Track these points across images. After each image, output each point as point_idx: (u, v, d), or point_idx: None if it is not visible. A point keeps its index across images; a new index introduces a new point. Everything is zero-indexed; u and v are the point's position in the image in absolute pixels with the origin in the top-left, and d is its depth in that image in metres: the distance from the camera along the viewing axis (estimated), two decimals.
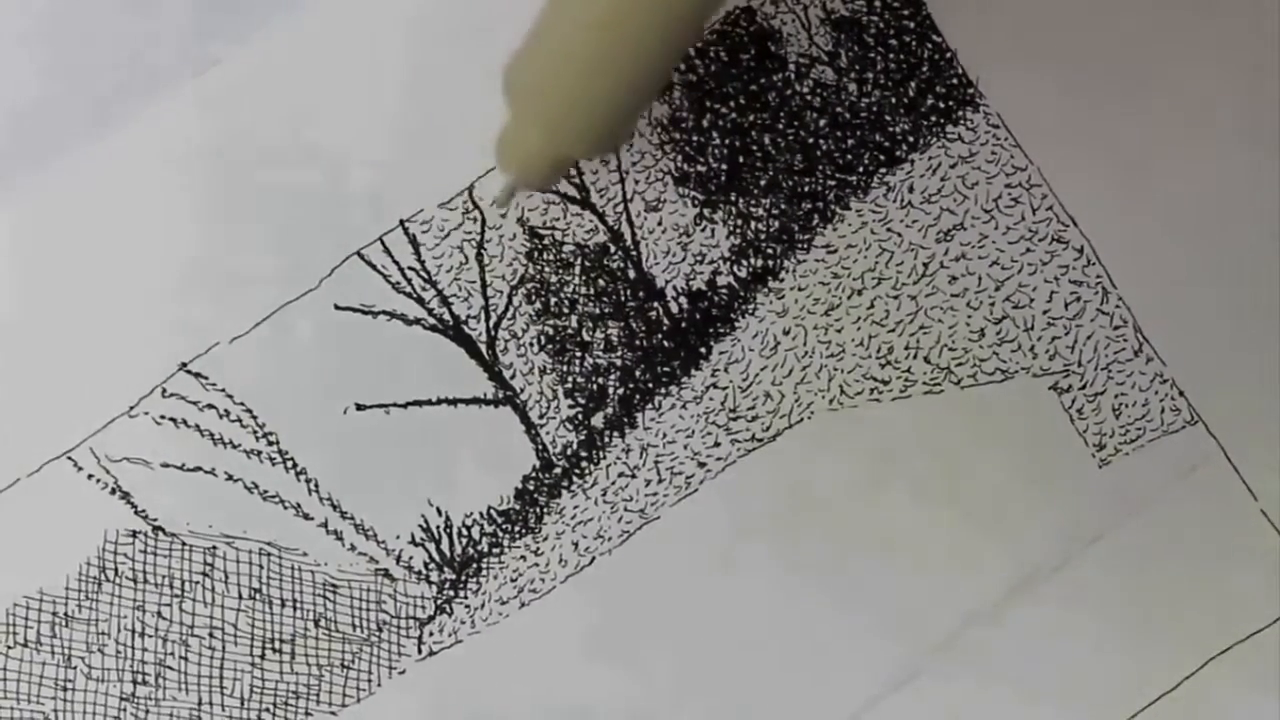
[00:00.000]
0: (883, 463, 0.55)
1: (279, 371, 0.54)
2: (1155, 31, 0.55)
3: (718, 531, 0.54)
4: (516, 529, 0.55)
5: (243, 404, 0.54)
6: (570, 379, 0.55)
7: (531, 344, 0.55)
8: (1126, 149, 0.55)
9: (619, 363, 0.55)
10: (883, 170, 0.55)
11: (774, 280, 0.55)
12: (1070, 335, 0.55)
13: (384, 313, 0.55)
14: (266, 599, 0.54)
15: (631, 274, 0.55)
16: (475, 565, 0.54)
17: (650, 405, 0.55)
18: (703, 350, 0.55)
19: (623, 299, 0.55)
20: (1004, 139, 0.55)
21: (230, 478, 0.54)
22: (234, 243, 0.54)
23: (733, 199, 0.55)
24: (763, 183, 0.55)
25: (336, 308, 0.55)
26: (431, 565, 0.54)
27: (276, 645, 0.54)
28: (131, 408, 0.54)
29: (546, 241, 0.55)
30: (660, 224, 0.55)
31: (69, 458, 0.54)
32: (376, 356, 0.55)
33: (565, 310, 0.55)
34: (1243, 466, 0.55)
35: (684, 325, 0.55)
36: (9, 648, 0.53)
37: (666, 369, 0.55)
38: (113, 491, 0.54)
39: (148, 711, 0.53)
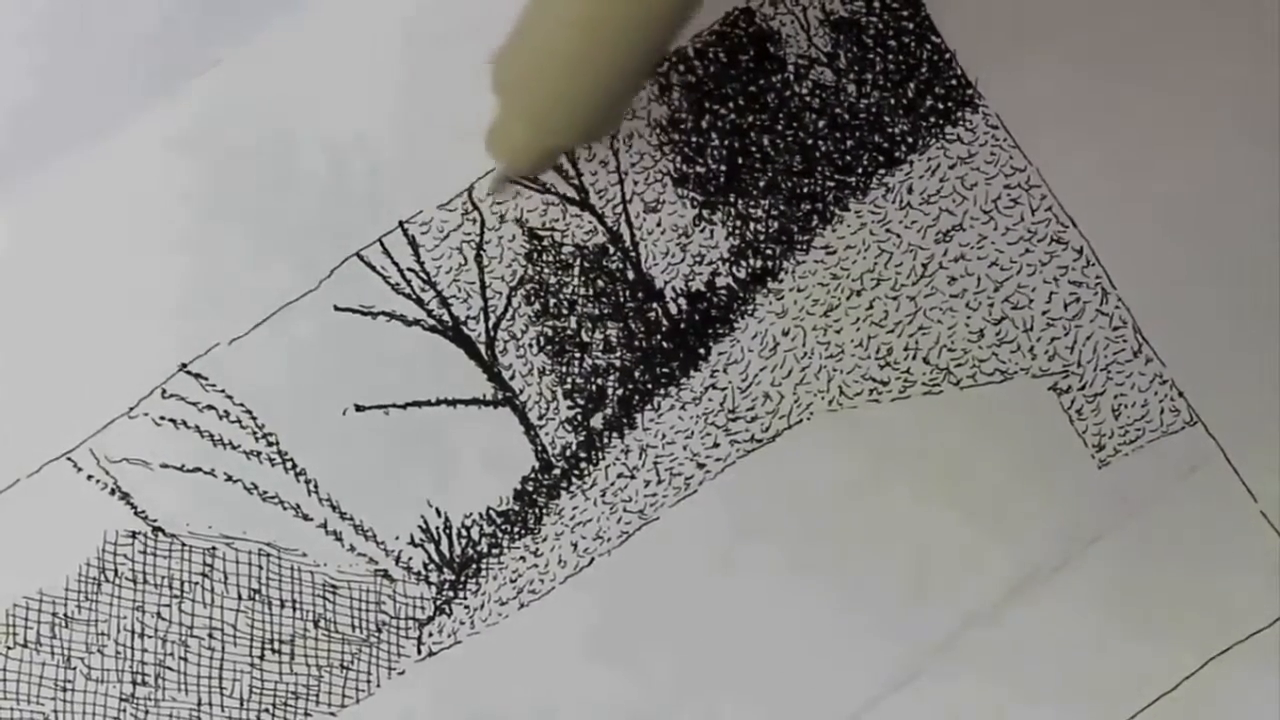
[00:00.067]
0: (882, 463, 0.55)
1: (279, 373, 0.54)
2: (1155, 32, 0.55)
3: (717, 532, 0.54)
4: (516, 530, 0.55)
5: (242, 405, 0.54)
6: (569, 380, 0.55)
7: (531, 345, 0.55)
8: (1126, 149, 0.55)
9: (618, 364, 0.55)
10: (882, 171, 0.55)
11: (773, 281, 0.55)
12: (1069, 336, 0.55)
13: (383, 314, 0.55)
14: (266, 600, 0.54)
15: (630, 275, 0.55)
16: (474, 566, 0.54)
17: (649, 406, 0.55)
18: (702, 351, 0.55)
19: (622, 300, 0.55)
20: (1003, 140, 0.55)
21: (230, 478, 0.54)
22: (233, 244, 0.54)
23: (732, 200, 0.55)
24: (762, 184, 0.55)
25: (336, 309, 0.55)
26: (431, 566, 0.54)
27: (276, 646, 0.54)
28: (131, 408, 0.54)
29: (546, 243, 0.55)
30: (659, 225, 0.55)
31: (69, 458, 0.54)
32: (376, 358, 0.55)
33: (564, 311, 0.55)
34: (1242, 467, 0.55)
35: (683, 326, 0.55)
36: (9, 648, 0.53)
37: (665, 370, 0.55)
38: (112, 492, 0.54)
39: (147, 712, 0.53)
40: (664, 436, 0.55)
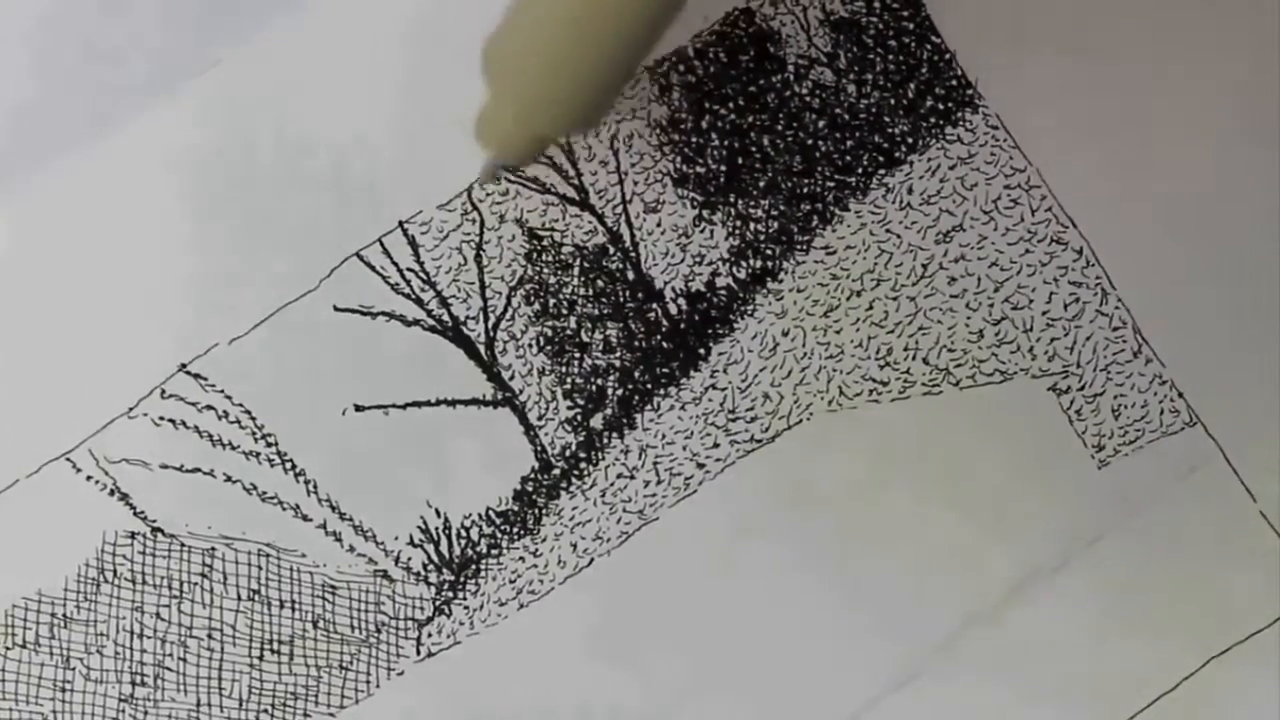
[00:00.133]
0: (882, 464, 0.55)
1: (278, 373, 0.54)
2: (1155, 32, 0.55)
3: (717, 532, 0.54)
4: (515, 530, 0.55)
5: (241, 405, 0.54)
6: (569, 380, 0.55)
7: (530, 345, 0.55)
8: (1126, 150, 0.55)
9: (618, 364, 0.55)
10: (882, 171, 0.55)
11: (773, 281, 0.55)
12: (1069, 336, 0.55)
13: (383, 314, 0.55)
14: (265, 600, 0.54)
15: (630, 275, 0.55)
16: (474, 566, 0.54)
17: (649, 406, 0.55)
18: (702, 351, 0.55)
19: (621, 300, 0.55)
20: (1003, 140, 0.55)
21: (229, 479, 0.54)
22: (233, 244, 0.54)
23: (732, 200, 0.55)
24: (762, 184, 0.55)
25: (335, 309, 0.55)
26: (430, 566, 0.54)
27: (275, 646, 0.54)
28: (130, 409, 0.54)
29: (545, 243, 0.55)
30: (659, 225, 0.55)
31: (68, 459, 0.54)
32: (375, 358, 0.55)
33: (564, 311, 0.55)
34: (1242, 468, 0.55)
35: (683, 326, 0.55)
36: (8, 649, 0.53)
37: (665, 370, 0.55)
38: (111, 493, 0.54)
39: (146, 712, 0.53)
40: (664, 437, 0.55)
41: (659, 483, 0.55)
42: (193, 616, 0.54)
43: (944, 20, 0.55)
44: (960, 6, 0.55)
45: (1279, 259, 0.55)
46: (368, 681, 0.54)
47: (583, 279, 0.55)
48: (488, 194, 0.55)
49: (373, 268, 0.55)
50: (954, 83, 0.55)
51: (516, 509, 0.55)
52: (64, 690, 0.53)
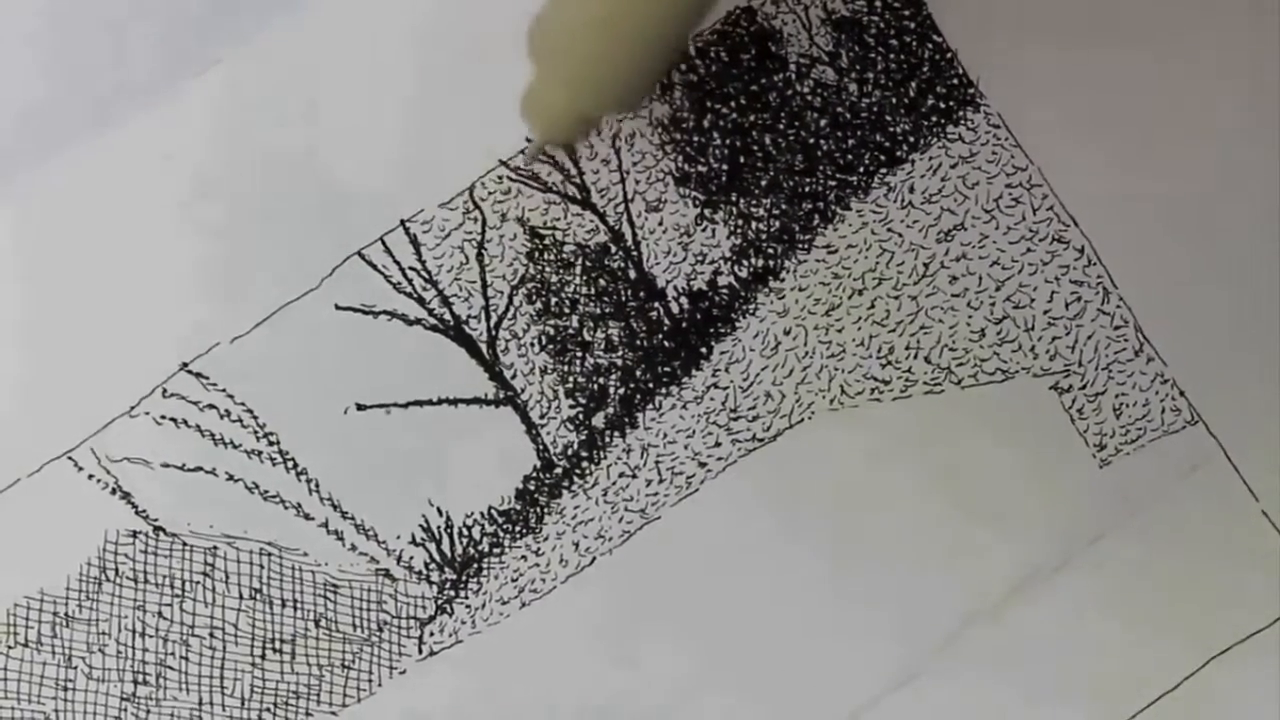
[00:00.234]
0: (883, 463, 0.55)
1: (280, 371, 0.54)
2: (1156, 31, 0.55)
3: (718, 531, 0.54)
4: (517, 529, 0.55)
5: (243, 404, 0.54)
6: (571, 379, 0.55)
7: (532, 344, 0.55)
8: (1127, 149, 0.55)
9: (620, 363, 0.55)
10: (883, 170, 0.55)
11: (775, 280, 0.55)
12: (1071, 335, 0.55)
13: (385, 313, 0.55)
14: (267, 599, 0.54)
15: (632, 274, 0.55)
16: (476, 565, 0.54)
17: (651, 405, 0.55)
18: (703, 350, 0.55)
19: (623, 299, 0.55)
20: (1004, 139, 0.55)
21: (231, 478, 0.54)
22: (234, 242, 0.54)
23: (733, 199, 0.55)
24: (763, 183, 0.55)
25: (337, 307, 0.55)
26: (432, 565, 0.54)
27: (277, 645, 0.54)
28: (132, 408, 0.54)
29: (547, 241, 0.55)
30: (661, 224, 0.55)
31: (69, 458, 0.54)
32: (377, 356, 0.55)
33: (566, 310, 0.55)
34: (1243, 466, 0.55)
35: (685, 325, 0.55)
36: (10, 648, 0.53)
37: (667, 369, 0.55)
38: (113, 491, 0.54)
39: (148, 711, 0.53)
40: (665, 435, 0.55)
41: (661, 481, 0.55)
42: (195, 615, 0.54)
43: (945, 19, 0.55)
44: (961, 5, 0.55)
45: (1279, 259, 0.55)
46: (370, 680, 0.54)
47: (585, 278, 0.55)
48: (490, 192, 0.55)
49: (374, 266, 0.55)
50: (955, 81, 0.55)
51: (518, 508, 0.55)
52: (66, 689, 0.53)
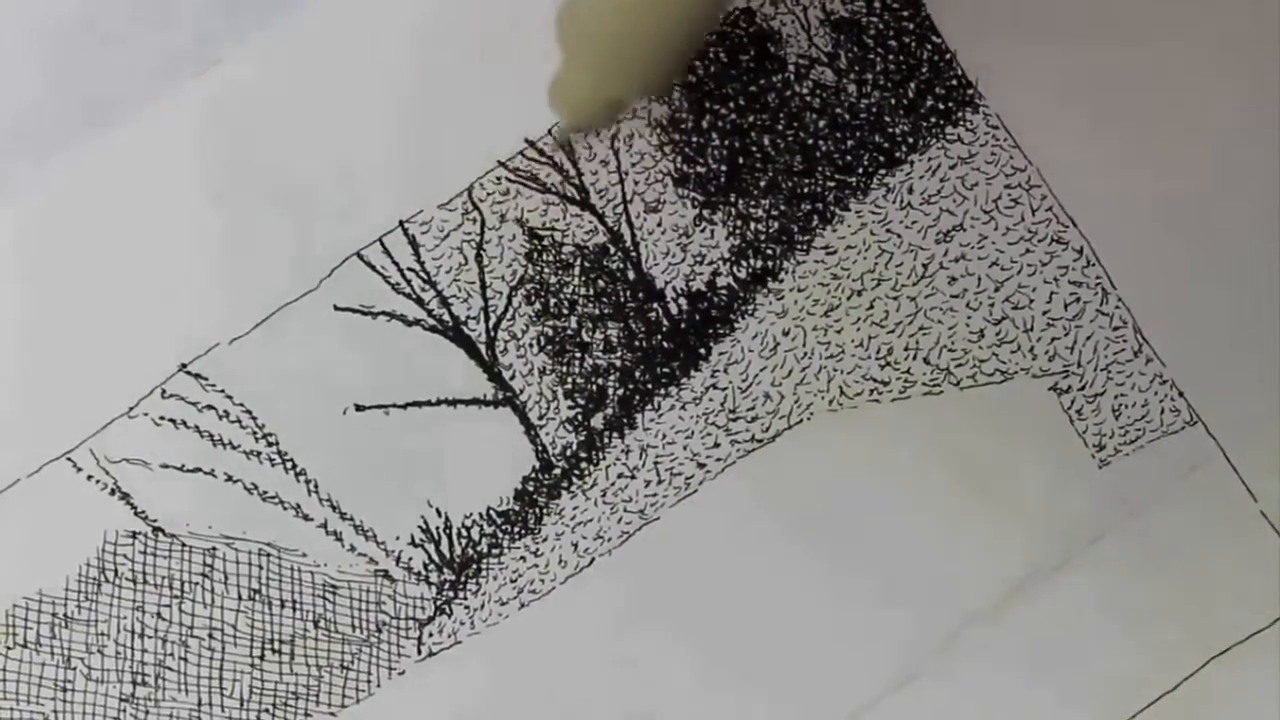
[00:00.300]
0: (882, 464, 0.55)
1: (278, 372, 0.54)
2: (1155, 31, 0.55)
3: (717, 532, 0.54)
4: (516, 530, 0.55)
5: (242, 405, 0.54)
6: (570, 380, 0.55)
7: (531, 345, 0.55)
8: (1126, 149, 0.55)
9: (618, 363, 0.55)
10: (882, 171, 0.55)
11: (773, 281, 0.55)
12: (1070, 336, 0.55)
13: (383, 313, 0.55)
14: (266, 600, 0.54)
15: (631, 275, 0.55)
16: (475, 566, 0.54)
17: (650, 406, 0.55)
18: (702, 351, 0.55)
19: (622, 300, 0.55)
20: (1003, 140, 0.55)
21: (230, 479, 0.54)
22: (233, 243, 0.54)
23: (732, 200, 0.55)
24: (762, 184, 0.55)
25: (336, 309, 0.55)
26: (431, 566, 0.54)
27: (276, 646, 0.54)
28: (131, 408, 0.54)
29: (546, 242, 0.55)
30: (660, 225, 0.55)
31: (68, 458, 0.54)
32: (376, 357, 0.55)
33: (565, 311, 0.55)
34: (1242, 467, 0.55)
35: (683, 326, 0.55)
36: (9, 648, 0.53)
37: (666, 370, 0.55)
38: (112, 492, 0.54)
39: (147, 712, 0.53)
40: (664, 436, 0.55)
41: (660, 482, 0.55)
42: (194, 616, 0.54)
43: (944, 20, 0.55)
44: (960, 6, 0.55)
45: (1279, 259, 0.55)
46: (369, 681, 0.54)
47: (583, 279, 0.55)
48: (488, 193, 0.55)
49: (373, 267, 0.55)
50: (954, 82, 0.55)
51: (517, 508, 0.55)
52: (65, 690, 0.53)
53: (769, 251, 0.55)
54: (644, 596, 0.54)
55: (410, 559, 0.54)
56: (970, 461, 0.54)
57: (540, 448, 0.55)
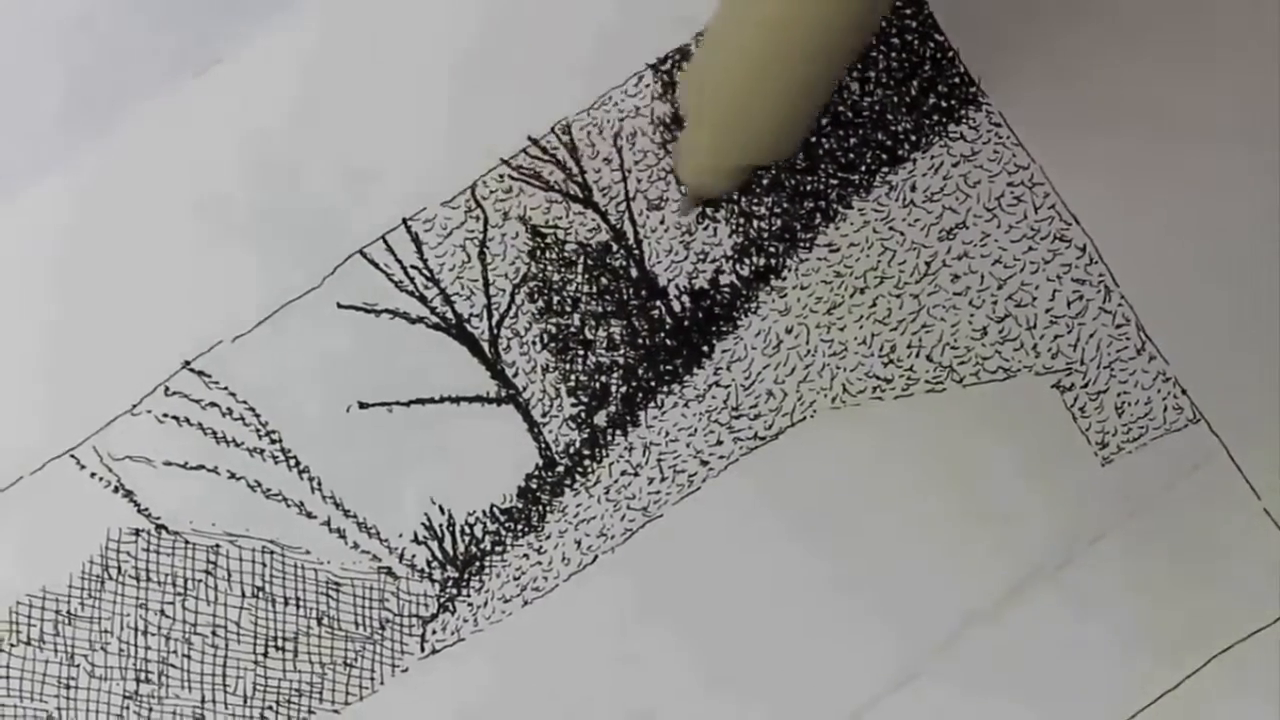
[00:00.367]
0: (885, 461, 0.55)
1: (282, 370, 0.54)
2: (1156, 31, 0.55)
3: (720, 529, 0.54)
4: (519, 527, 0.55)
5: (245, 402, 0.54)
6: (573, 377, 0.55)
7: (534, 342, 0.55)
8: (1129, 148, 0.55)
9: (622, 361, 0.55)
10: (885, 169, 0.55)
11: (776, 279, 0.55)
12: (1073, 334, 0.55)
13: (386, 311, 0.55)
14: (269, 597, 0.54)
15: (634, 272, 0.55)
16: (478, 563, 0.54)
17: (653, 403, 0.55)
18: (705, 349, 0.55)
19: (625, 297, 0.55)
20: (1006, 137, 0.55)
21: (233, 476, 0.54)
22: (236, 241, 0.55)
23: (735, 197, 0.55)
24: (765, 181, 0.55)
25: (339, 306, 0.55)
26: (434, 563, 0.54)
27: (279, 643, 0.54)
28: (134, 406, 0.54)
29: (549, 240, 0.55)
30: (663, 222, 0.55)
31: (72, 456, 0.54)
32: (379, 355, 0.55)
33: (568, 309, 0.55)
34: (1245, 465, 0.55)
35: (686, 323, 0.55)
36: (12, 646, 0.53)
37: (669, 367, 0.55)
38: (115, 490, 0.54)
39: (151, 709, 0.54)
40: (667, 434, 0.55)
41: (663, 480, 0.55)
42: (197, 613, 0.54)
43: (947, 18, 0.55)
44: (963, 5, 0.55)
45: None
46: (372, 678, 0.54)
47: (586, 276, 0.55)
48: (491, 190, 0.55)
49: (376, 265, 0.55)
50: (957, 80, 0.55)
51: (521, 506, 0.55)
52: (68, 687, 0.53)
53: (772, 249, 0.55)
54: (647, 594, 0.54)
55: (413, 556, 0.54)
56: (972, 460, 0.54)
57: (543, 445, 0.55)
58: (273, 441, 0.54)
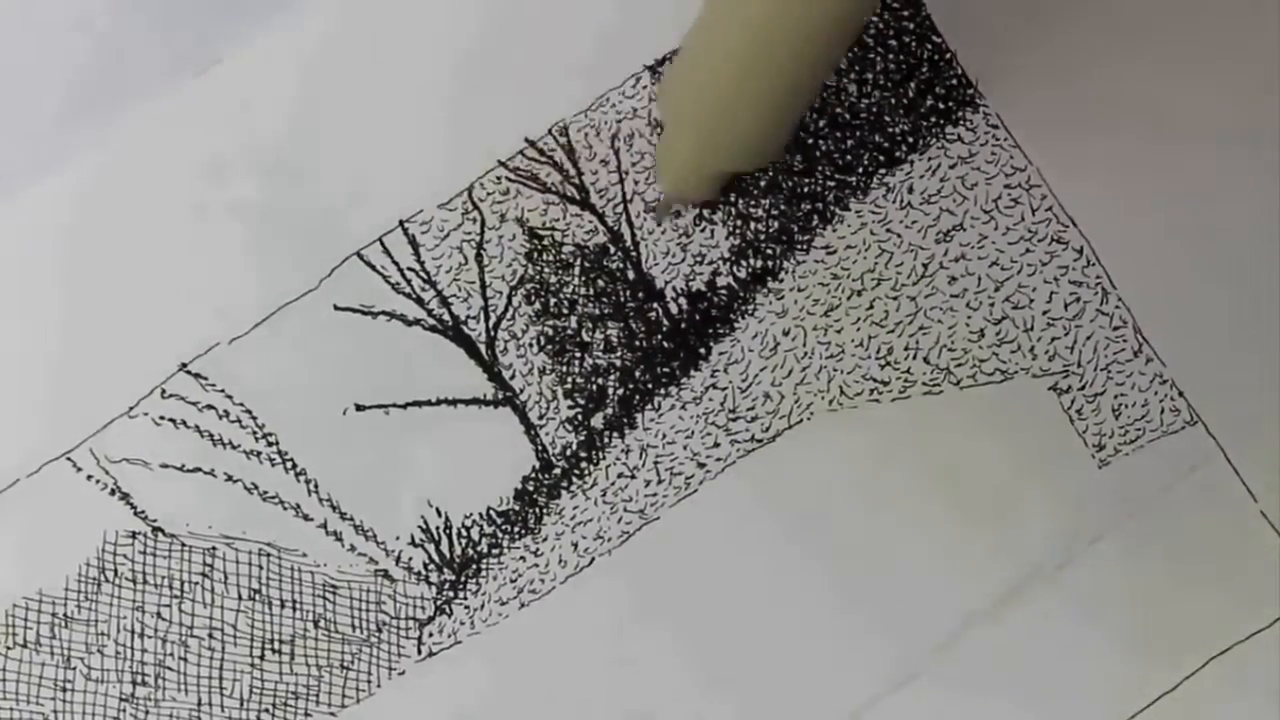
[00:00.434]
0: (882, 463, 0.55)
1: (278, 372, 0.54)
2: (1154, 33, 0.55)
3: (717, 532, 0.54)
4: (516, 530, 0.55)
5: (242, 405, 0.54)
6: (570, 379, 0.55)
7: (531, 344, 0.55)
8: (1126, 150, 0.55)
9: (618, 363, 0.55)
10: (882, 171, 0.55)
11: (773, 281, 0.55)
12: (1070, 336, 0.55)
13: (383, 313, 0.55)
14: (266, 600, 0.54)
15: (631, 275, 0.55)
16: (475, 566, 0.54)
17: (650, 406, 0.55)
18: (702, 351, 0.55)
19: (622, 299, 0.55)
20: (1003, 139, 0.55)
21: (230, 478, 0.54)
22: (233, 243, 0.54)
23: (732, 200, 0.55)
24: (762, 183, 0.55)
25: (336, 308, 0.55)
26: (431, 566, 0.54)
27: (276, 646, 0.54)
28: (131, 408, 0.54)
29: (546, 242, 0.55)
30: (660, 224, 0.55)
31: (68, 458, 0.54)
32: (376, 357, 0.55)
33: (565, 311, 0.55)
34: (1242, 467, 0.55)
35: (683, 326, 0.55)
36: (9, 648, 0.53)
37: (666, 370, 0.55)
38: (112, 492, 0.54)
39: (147, 712, 0.53)
40: (664, 436, 0.55)
41: (660, 482, 0.55)
42: (194, 616, 0.54)
43: (944, 20, 0.55)
44: (960, 6, 0.55)
45: (1279, 259, 0.55)
46: (369, 681, 0.54)
47: (583, 278, 0.55)
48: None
49: (373, 267, 0.55)
50: (954, 82, 0.55)
51: (517, 508, 0.55)
52: (65, 690, 0.53)
53: (769, 251, 0.55)
54: (644, 596, 0.54)
55: (410, 559, 0.54)
56: (970, 462, 0.54)
57: (540, 447, 0.55)
58: (269, 444, 0.54)
